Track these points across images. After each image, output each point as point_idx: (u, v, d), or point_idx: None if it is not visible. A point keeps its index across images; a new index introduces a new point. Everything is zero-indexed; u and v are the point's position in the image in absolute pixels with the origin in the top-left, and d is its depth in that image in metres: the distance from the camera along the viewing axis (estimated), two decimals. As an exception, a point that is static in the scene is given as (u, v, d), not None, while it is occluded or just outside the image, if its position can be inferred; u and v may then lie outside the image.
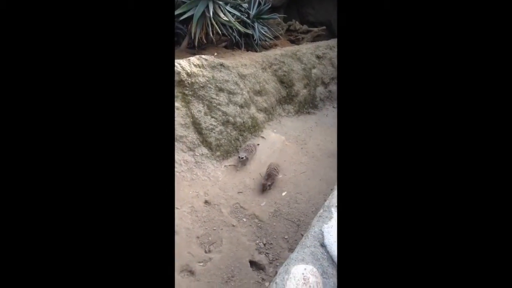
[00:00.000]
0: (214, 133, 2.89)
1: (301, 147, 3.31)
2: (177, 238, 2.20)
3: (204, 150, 2.85)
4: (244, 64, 3.37)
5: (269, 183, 2.61)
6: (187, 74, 2.81)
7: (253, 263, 2.09)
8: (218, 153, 2.90)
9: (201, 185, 2.63)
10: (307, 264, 1.02)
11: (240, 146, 3.07)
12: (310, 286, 0.94)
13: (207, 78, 2.92)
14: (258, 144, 3.07)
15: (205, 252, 2.15)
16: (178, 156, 2.70)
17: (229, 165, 2.89)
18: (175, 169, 2.64)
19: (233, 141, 3.02)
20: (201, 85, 2.88)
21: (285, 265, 1.10)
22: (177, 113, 2.78)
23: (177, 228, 2.27)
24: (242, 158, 2.83)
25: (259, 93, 3.45)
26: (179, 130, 2.75)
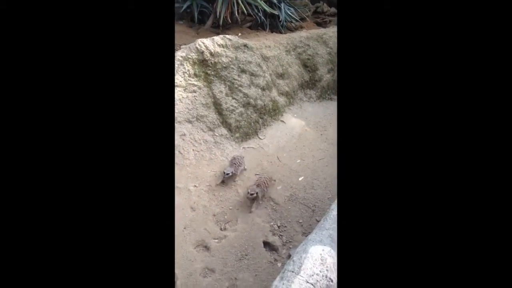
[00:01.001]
0: (234, 114, 2.90)
1: (321, 133, 3.26)
2: (194, 215, 2.26)
3: (224, 131, 2.86)
4: (268, 45, 3.31)
5: (257, 191, 2.30)
6: (211, 53, 2.79)
7: (266, 244, 2.13)
8: (237, 134, 2.91)
9: (219, 165, 2.67)
10: (324, 245, 1.03)
11: (260, 129, 3.06)
12: (327, 267, 0.95)
13: (230, 59, 2.89)
14: (243, 157, 2.67)
15: (221, 229, 2.20)
16: (198, 135, 2.74)
17: (248, 147, 2.90)
18: (195, 148, 2.69)
19: (252, 124, 3.02)
20: (224, 65, 2.87)
21: (303, 245, 1.11)
22: (198, 92, 2.79)
23: (194, 205, 2.33)
24: (227, 174, 2.42)
25: (281, 76, 3.39)
26: (200, 110, 2.77)
